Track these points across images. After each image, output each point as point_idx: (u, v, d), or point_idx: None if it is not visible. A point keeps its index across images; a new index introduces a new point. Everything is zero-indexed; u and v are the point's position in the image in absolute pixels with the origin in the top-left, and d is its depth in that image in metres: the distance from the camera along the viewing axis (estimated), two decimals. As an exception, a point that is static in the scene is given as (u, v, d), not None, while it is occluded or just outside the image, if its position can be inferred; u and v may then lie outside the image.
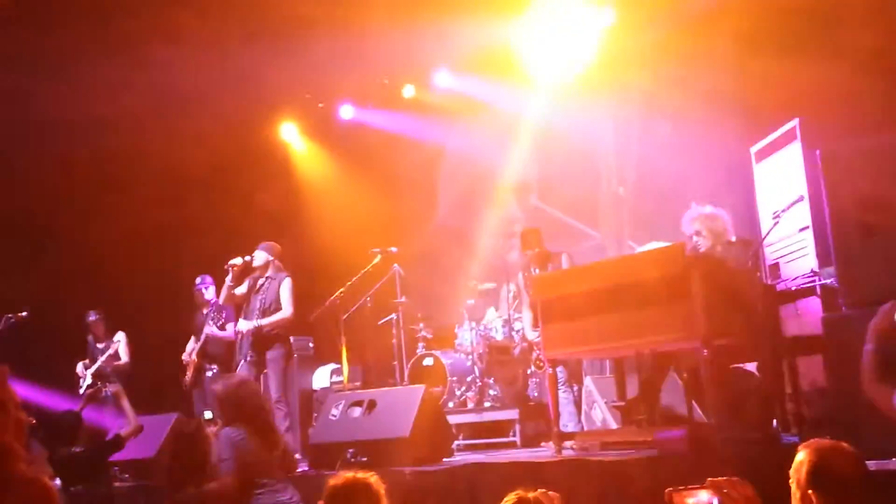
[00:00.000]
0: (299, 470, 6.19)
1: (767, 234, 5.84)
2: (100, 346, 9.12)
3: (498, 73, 9.17)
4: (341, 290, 8.25)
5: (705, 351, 4.80)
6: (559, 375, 6.79)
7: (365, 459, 5.79)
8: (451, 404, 8.26)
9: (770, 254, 6.17)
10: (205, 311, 8.53)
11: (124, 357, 9.13)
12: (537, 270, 7.37)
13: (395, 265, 8.73)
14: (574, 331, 5.44)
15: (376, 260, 8.41)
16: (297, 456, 6.99)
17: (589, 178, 9.24)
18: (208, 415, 7.60)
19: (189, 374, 8.54)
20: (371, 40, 8.82)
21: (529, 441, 7.36)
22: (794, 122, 5.94)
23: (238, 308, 7.97)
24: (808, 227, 5.69)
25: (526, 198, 9.67)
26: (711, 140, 7.92)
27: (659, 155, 8.37)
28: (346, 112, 10.84)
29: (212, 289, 8.61)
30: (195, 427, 5.43)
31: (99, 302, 9.35)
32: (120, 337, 9.16)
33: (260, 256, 7.77)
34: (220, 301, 8.05)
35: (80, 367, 9.13)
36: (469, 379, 8.40)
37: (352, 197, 10.46)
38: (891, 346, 3.58)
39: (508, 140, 9.36)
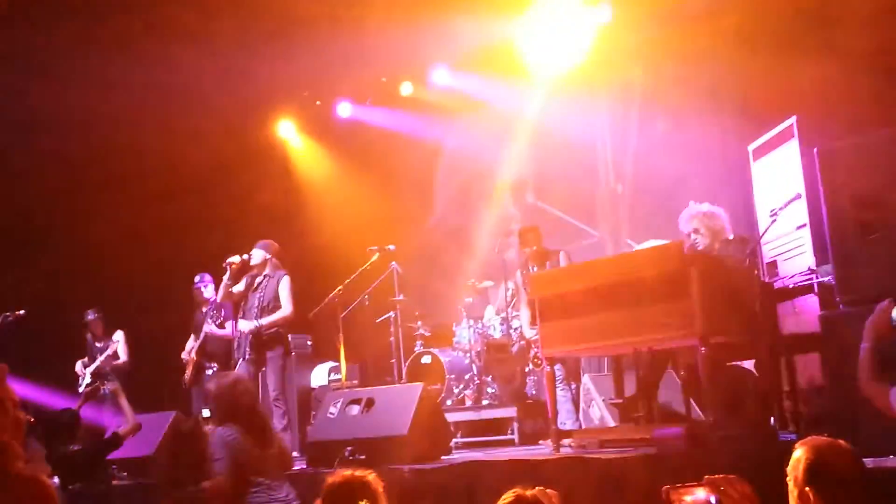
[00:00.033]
0: (296, 468, 6.19)
1: (765, 231, 5.84)
2: (98, 344, 9.13)
3: (496, 70, 9.18)
4: (339, 287, 8.27)
5: (703, 349, 4.80)
6: (557, 373, 6.80)
7: (363, 457, 5.77)
8: (449, 402, 8.27)
9: (767, 251, 6.17)
10: (204, 310, 8.51)
11: (123, 356, 9.14)
12: (535, 268, 7.38)
13: (393, 263, 8.72)
14: (572, 329, 5.44)
15: (374, 258, 8.41)
16: (295, 454, 6.99)
17: (587, 175, 9.23)
18: (207, 413, 7.59)
19: (188, 372, 8.54)
20: (369, 38, 8.81)
21: (527, 439, 7.36)
22: (792, 120, 5.93)
23: (236, 306, 7.95)
24: (805, 225, 5.69)
25: (523, 196, 9.67)
26: (709, 138, 7.93)
27: (657, 152, 8.36)
28: (344, 110, 10.84)
29: (211, 287, 8.60)
30: (193, 425, 5.42)
31: (98, 300, 9.35)
32: (119, 336, 9.18)
33: (258, 254, 7.76)
34: (219, 299, 8.04)
35: (78, 366, 9.15)
36: (467, 377, 8.41)
37: (350, 194, 10.46)
38: (888, 344, 3.58)
39: (506, 138, 9.34)
